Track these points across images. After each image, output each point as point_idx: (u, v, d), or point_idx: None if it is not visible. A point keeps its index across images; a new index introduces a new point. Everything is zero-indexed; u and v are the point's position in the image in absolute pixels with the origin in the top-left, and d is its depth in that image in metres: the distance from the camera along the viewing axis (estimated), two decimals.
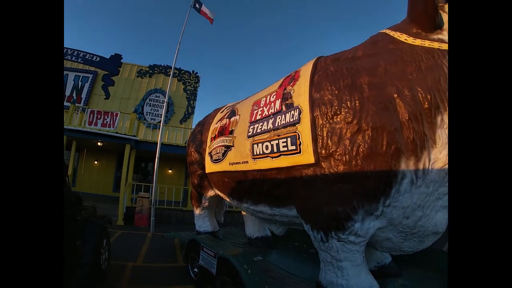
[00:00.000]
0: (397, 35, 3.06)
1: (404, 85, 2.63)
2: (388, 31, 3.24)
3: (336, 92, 3.03)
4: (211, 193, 5.97)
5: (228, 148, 4.56)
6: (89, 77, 16.94)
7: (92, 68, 17.24)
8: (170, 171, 15.42)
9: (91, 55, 17.69)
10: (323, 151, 2.95)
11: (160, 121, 15.60)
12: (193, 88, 17.89)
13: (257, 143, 3.79)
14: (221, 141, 4.83)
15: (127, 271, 4.97)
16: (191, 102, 17.49)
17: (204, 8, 13.33)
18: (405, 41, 2.94)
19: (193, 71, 18.31)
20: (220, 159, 4.78)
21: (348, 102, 2.88)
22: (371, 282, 3.01)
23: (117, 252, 5.86)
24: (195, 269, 4.63)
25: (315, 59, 3.72)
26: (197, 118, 24.18)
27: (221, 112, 5.83)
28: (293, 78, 3.75)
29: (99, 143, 12.57)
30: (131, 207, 10.90)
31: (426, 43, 2.71)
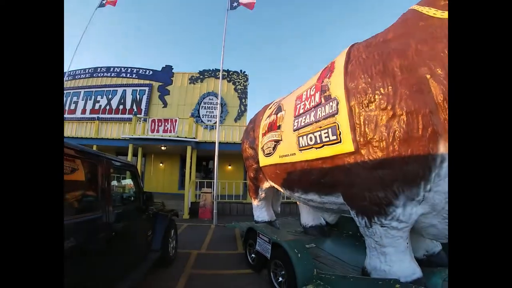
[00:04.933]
0: (425, 10, 2.94)
1: (436, 64, 2.55)
2: (416, 7, 3.13)
3: (369, 79, 3.06)
4: (266, 185, 6.33)
5: (277, 142, 4.85)
6: (145, 89, 18.47)
7: (147, 81, 18.78)
8: (229, 167, 16.16)
9: (144, 70, 19.29)
10: (362, 139, 3.04)
11: (215, 121, 16.48)
12: (243, 87, 18.35)
13: (302, 136, 4.00)
14: (271, 136, 5.15)
15: (192, 257, 5.50)
16: (243, 100, 17.98)
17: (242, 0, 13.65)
18: (434, 15, 2.82)
19: (241, 70, 18.75)
20: (271, 152, 5.10)
21: (381, 89, 2.90)
22: (414, 269, 2.98)
23: (184, 241, 6.51)
24: (252, 255, 4.95)
25: (348, 47, 3.77)
26: (250, 114, 24.52)
27: (269, 108, 6.14)
28: (330, 70, 3.85)
29: (163, 147, 13.64)
30: (195, 202, 11.76)
31: None
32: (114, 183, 3.86)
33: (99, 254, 2.64)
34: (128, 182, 4.29)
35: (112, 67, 19.90)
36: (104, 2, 16.21)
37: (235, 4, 13.50)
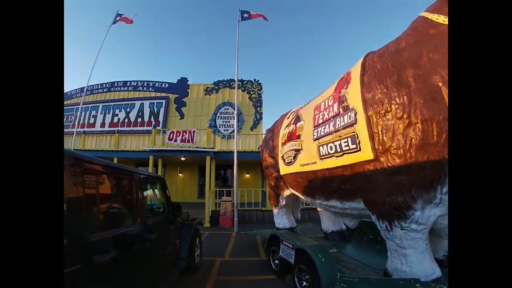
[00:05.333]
0: (435, 17, 3.06)
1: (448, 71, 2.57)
2: (426, 14, 3.25)
3: (385, 90, 3.22)
4: (287, 192, 6.47)
5: (297, 151, 5.02)
6: (162, 102, 19.09)
7: (164, 94, 19.42)
8: (247, 175, 16.38)
9: (160, 83, 19.96)
10: (380, 147, 3.20)
11: (232, 130, 16.79)
12: (257, 96, 18.58)
13: (322, 145, 4.16)
14: (291, 145, 5.32)
15: (216, 264, 5.66)
16: (258, 108, 18.20)
17: (254, 12, 14.08)
18: (443, 22, 2.93)
19: (254, 79, 18.99)
20: (292, 161, 5.26)
21: (397, 99, 3.05)
22: (433, 269, 3.11)
23: (208, 249, 6.69)
24: (275, 261, 5.07)
25: (363, 57, 3.91)
26: (266, 122, 24.65)
27: (287, 118, 6.31)
28: (346, 81, 4.00)
29: (182, 158, 14.05)
30: (216, 211, 12.00)
31: None
32: (146, 195, 4.11)
33: (134, 264, 2.86)
34: (157, 193, 4.52)
35: (128, 81, 20.64)
36: (117, 18, 16.94)
37: (246, 15, 13.88)
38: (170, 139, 12.93)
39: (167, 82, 19.89)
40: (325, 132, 4.15)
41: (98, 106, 20.24)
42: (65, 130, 20.14)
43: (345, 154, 3.72)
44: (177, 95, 19.25)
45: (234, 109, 17.20)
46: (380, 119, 3.22)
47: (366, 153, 3.37)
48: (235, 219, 10.19)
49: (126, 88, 20.42)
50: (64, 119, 20.98)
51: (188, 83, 19.68)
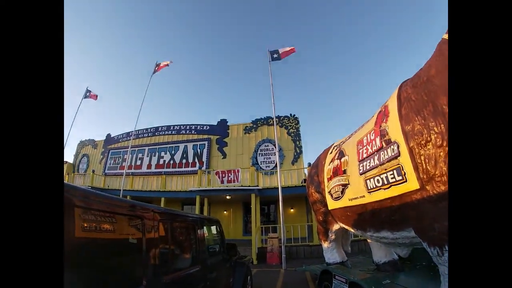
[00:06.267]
0: None
1: None
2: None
3: (423, 121, 3.36)
4: (336, 226, 6.55)
5: (345, 186, 5.22)
6: (205, 143, 20.36)
7: (206, 136, 20.73)
8: (291, 210, 16.38)
9: (202, 126, 21.39)
10: (425, 176, 3.35)
11: (274, 166, 17.21)
12: (295, 130, 18.95)
13: (369, 179, 4.37)
14: (337, 180, 5.54)
15: None
16: (297, 143, 18.49)
17: (282, 50, 14.86)
18: None
19: (291, 114, 19.46)
20: (339, 196, 5.44)
21: (435, 128, 3.18)
22: None
23: (258, 286, 6.82)
24: None
25: (397, 89, 4.11)
26: (306, 156, 24.44)
27: (330, 153, 6.55)
28: (385, 114, 4.21)
29: (227, 197, 14.55)
30: (262, 247, 12.14)
31: None
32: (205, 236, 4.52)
33: None
34: (214, 234, 4.89)
35: (172, 125, 22.32)
36: (156, 68, 18.90)
37: (275, 55, 14.72)
38: (222, 182, 13.62)
39: (208, 125, 21.15)
40: (371, 166, 4.35)
41: (144, 149, 21.97)
42: (114, 171, 22.16)
43: (392, 186, 3.88)
44: (218, 136, 20.36)
45: (273, 145, 17.88)
46: (422, 149, 3.36)
47: (412, 183, 3.51)
48: (282, 255, 10.22)
49: (169, 132, 22.06)
50: (112, 162, 23.04)
51: (227, 123, 20.80)
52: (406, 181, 3.64)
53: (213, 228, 4.72)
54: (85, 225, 1.72)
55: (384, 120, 4.19)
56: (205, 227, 4.07)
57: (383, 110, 4.36)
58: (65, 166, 24.48)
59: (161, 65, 19.05)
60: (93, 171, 20.91)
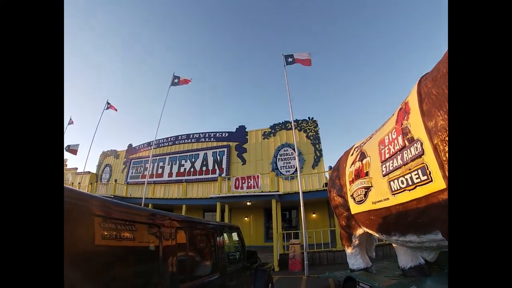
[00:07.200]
0: None
1: None
2: None
3: (446, 115, 3.20)
4: (359, 231, 6.38)
5: (368, 188, 5.07)
6: (224, 150, 20.53)
7: (225, 143, 20.92)
8: (313, 215, 16.15)
9: (221, 133, 21.61)
10: None
11: (294, 171, 17.07)
12: (314, 133, 18.65)
13: (393, 180, 4.21)
14: (360, 183, 5.39)
15: None
16: (317, 146, 18.20)
17: (297, 56, 14.77)
18: None
19: (309, 117, 19.23)
20: (363, 200, 5.29)
21: None
22: None
23: None
24: None
25: (417, 84, 3.97)
26: (327, 159, 24.12)
27: (351, 155, 6.41)
28: (405, 112, 4.07)
29: (248, 203, 14.51)
30: (284, 254, 11.99)
31: None
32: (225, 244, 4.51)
33: None
34: (234, 241, 4.87)
35: (191, 134, 22.72)
36: (175, 81, 19.24)
37: (290, 59, 14.67)
38: (236, 187, 13.60)
39: (227, 132, 21.33)
40: (394, 166, 4.21)
41: (165, 158, 22.44)
42: (136, 180, 22.76)
43: (417, 187, 3.73)
44: (237, 143, 20.48)
45: (293, 150, 17.73)
46: (447, 146, 3.20)
47: (438, 183, 3.35)
48: (305, 262, 10.05)
49: (189, 140, 22.45)
50: (134, 171, 23.63)
51: (246, 130, 20.88)
52: (431, 180, 3.48)
53: (233, 235, 4.68)
54: (105, 233, 1.72)
55: (405, 118, 4.06)
56: (224, 234, 4.04)
57: (404, 107, 4.23)
58: (88, 176, 25.27)
59: (181, 79, 19.30)
60: (115, 181, 21.55)
